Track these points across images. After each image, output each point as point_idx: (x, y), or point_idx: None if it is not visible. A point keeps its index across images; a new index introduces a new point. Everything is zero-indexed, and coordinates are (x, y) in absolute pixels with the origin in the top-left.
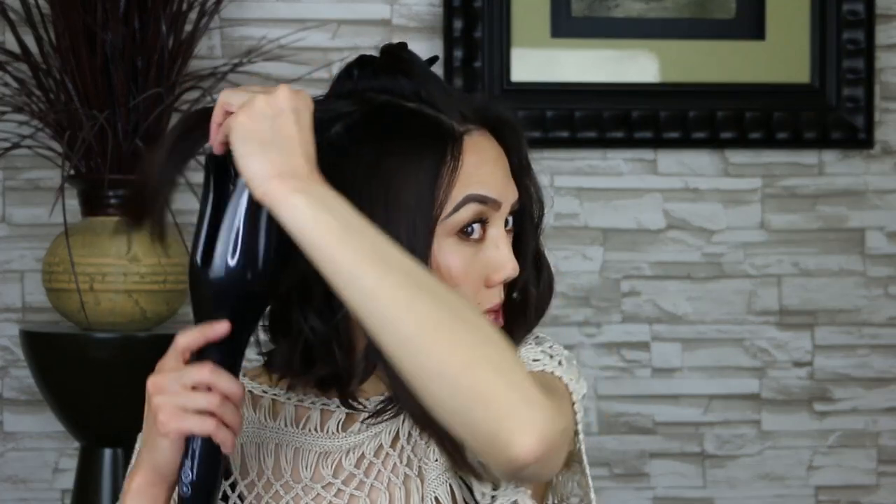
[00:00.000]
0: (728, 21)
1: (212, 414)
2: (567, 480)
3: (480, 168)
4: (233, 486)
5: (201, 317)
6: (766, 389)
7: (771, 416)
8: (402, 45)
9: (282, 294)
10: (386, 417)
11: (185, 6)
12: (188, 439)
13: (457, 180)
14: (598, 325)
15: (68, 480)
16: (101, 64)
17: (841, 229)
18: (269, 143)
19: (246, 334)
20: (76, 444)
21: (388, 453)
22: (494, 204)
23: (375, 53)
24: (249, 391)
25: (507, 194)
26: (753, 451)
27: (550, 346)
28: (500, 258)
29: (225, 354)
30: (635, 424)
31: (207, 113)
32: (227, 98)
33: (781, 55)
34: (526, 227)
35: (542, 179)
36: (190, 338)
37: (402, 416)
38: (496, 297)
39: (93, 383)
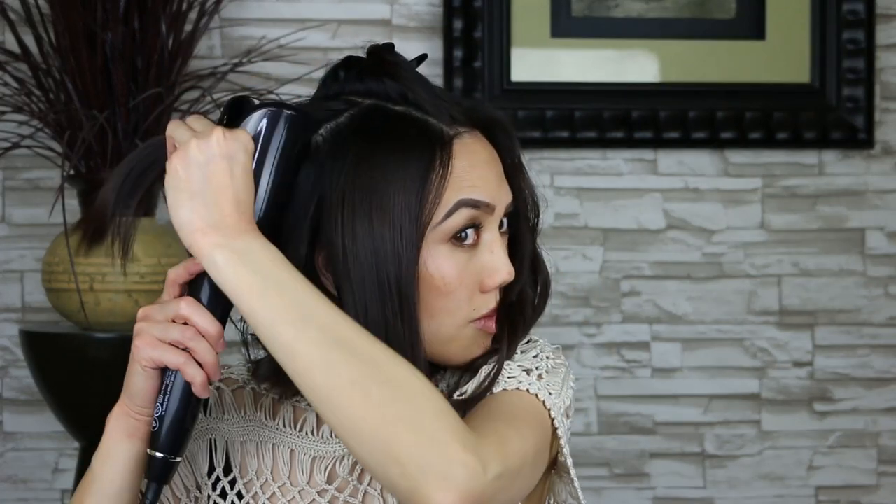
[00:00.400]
0: (728, 21)
1: (185, 349)
2: (561, 490)
3: (472, 171)
4: (232, 483)
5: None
6: (766, 389)
7: (771, 416)
8: (389, 46)
9: None
10: None
11: (185, 6)
12: (163, 374)
13: (447, 185)
14: (598, 325)
15: (68, 480)
16: (101, 64)
17: (841, 229)
18: (197, 192)
19: None
20: (76, 444)
21: None
22: (487, 208)
23: (362, 54)
24: (252, 388)
25: (501, 197)
26: (753, 451)
27: (535, 356)
28: (494, 263)
29: (210, 296)
30: (635, 424)
31: (162, 144)
32: (171, 132)
33: (781, 55)
34: (521, 229)
35: (542, 179)
36: (176, 271)
37: None
38: (492, 301)
39: (93, 383)
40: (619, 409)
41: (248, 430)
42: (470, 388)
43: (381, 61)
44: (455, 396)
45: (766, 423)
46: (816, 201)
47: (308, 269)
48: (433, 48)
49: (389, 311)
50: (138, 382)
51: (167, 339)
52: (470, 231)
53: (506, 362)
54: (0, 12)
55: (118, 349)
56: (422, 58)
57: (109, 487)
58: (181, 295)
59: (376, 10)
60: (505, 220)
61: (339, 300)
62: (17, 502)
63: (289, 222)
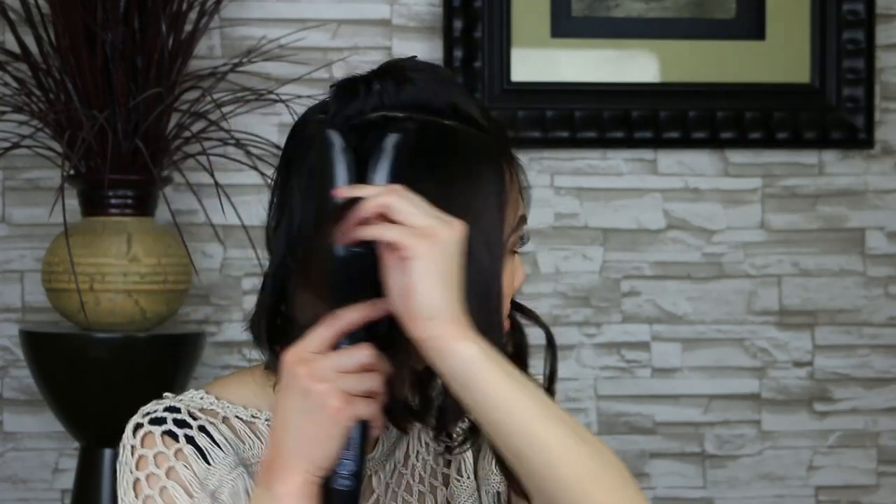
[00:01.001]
0: (728, 21)
1: (371, 396)
2: None
3: (514, 185)
4: None
5: (344, 298)
6: (766, 389)
7: (771, 416)
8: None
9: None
10: (466, 448)
11: (185, 6)
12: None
13: (510, 199)
14: (598, 325)
15: (68, 480)
16: (101, 64)
17: (841, 229)
18: (451, 283)
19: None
20: (76, 444)
21: (401, 472)
22: (523, 220)
23: (376, 57)
24: (237, 417)
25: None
26: (753, 451)
27: None
28: (518, 267)
29: (368, 331)
30: (635, 424)
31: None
32: (395, 204)
33: (781, 55)
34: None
35: (542, 179)
36: (351, 318)
37: (408, 436)
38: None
39: (93, 383)
40: (619, 409)
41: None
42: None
43: (417, 72)
44: None
45: (766, 423)
46: (816, 201)
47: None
48: (433, 48)
49: (491, 335)
50: (332, 447)
51: (361, 392)
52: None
53: None
54: (0, 12)
55: (118, 349)
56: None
57: None
58: (339, 341)
59: (376, 10)
60: None
61: None
62: (17, 502)
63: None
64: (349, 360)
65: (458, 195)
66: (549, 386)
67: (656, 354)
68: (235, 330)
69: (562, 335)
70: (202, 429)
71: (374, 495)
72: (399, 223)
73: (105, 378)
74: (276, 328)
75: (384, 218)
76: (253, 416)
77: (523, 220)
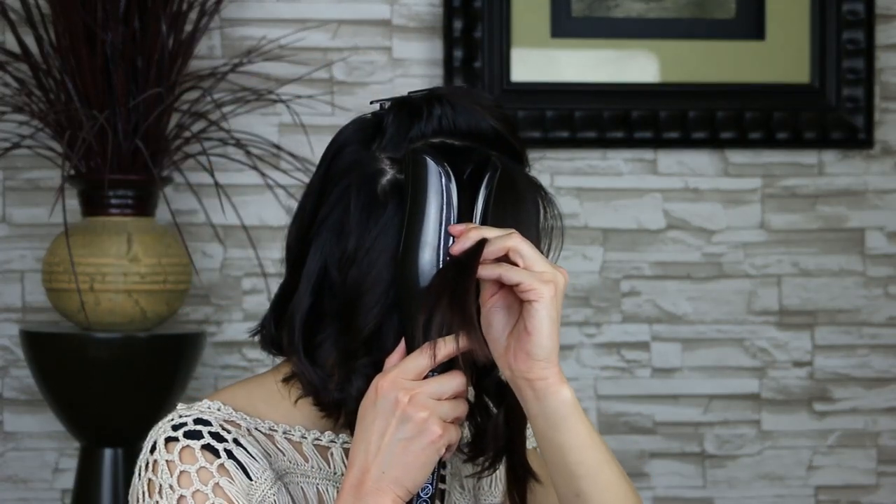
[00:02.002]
0: (728, 21)
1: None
2: None
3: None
4: None
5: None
6: (766, 389)
7: (771, 416)
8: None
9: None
10: (492, 471)
11: (185, 6)
12: None
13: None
14: (598, 325)
15: (68, 480)
16: (101, 64)
17: (841, 229)
18: (558, 328)
19: None
20: (76, 444)
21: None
22: None
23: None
24: (257, 429)
25: None
26: (753, 451)
27: None
28: None
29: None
30: (635, 424)
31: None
32: (520, 247)
33: (781, 55)
34: None
35: (542, 179)
36: (449, 350)
37: None
38: None
39: (93, 383)
40: (619, 408)
41: (288, 473)
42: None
43: (468, 98)
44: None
45: (766, 423)
46: (816, 201)
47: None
48: (433, 48)
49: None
50: (427, 470)
51: (451, 419)
52: None
53: None
54: (0, 12)
55: (118, 349)
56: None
57: None
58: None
59: (376, 10)
60: None
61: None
62: (17, 502)
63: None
64: (447, 387)
65: (509, 227)
66: None
67: (656, 354)
68: (235, 330)
69: (562, 335)
70: (237, 442)
71: None
72: (522, 267)
73: (105, 378)
74: (309, 340)
75: (505, 259)
76: (271, 430)
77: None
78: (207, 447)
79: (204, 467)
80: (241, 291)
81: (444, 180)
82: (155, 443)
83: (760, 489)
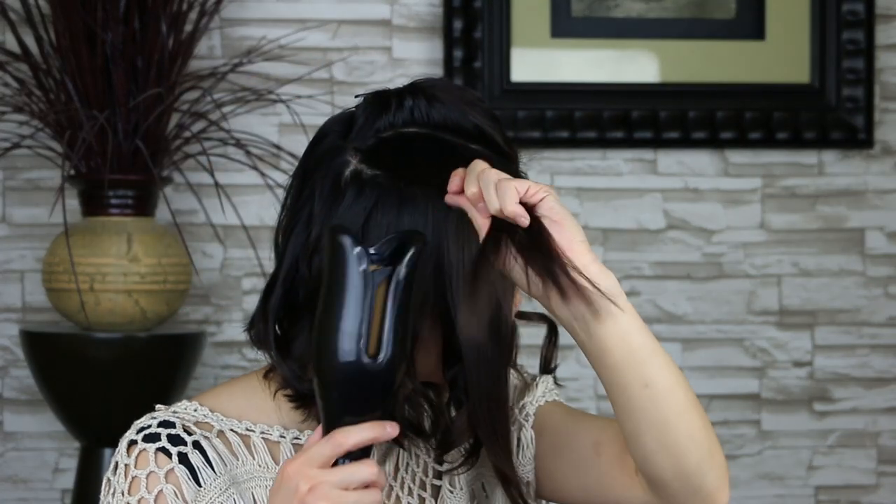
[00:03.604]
0: (728, 21)
1: None
2: None
3: None
4: None
5: (357, 411)
6: (766, 389)
7: (771, 416)
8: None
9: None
10: (464, 469)
11: (185, 6)
12: None
13: None
14: None
15: (68, 480)
16: (101, 64)
17: (841, 229)
18: (578, 224)
19: None
20: (76, 444)
21: (390, 486)
22: None
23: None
24: (231, 430)
25: None
26: (753, 451)
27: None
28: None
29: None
30: None
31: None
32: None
33: (781, 55)
34: None
35: (542, 179)
36: (358, 437)
37: (399, 451)
38: None
39: (93, 383)
40: None
41: (252, 478)
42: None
43: (447, 92)
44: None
45: (766, 423)
46: (816, 201)
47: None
48: (433, 48)
49: (503, 359)
50: None
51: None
52: None
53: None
54: (0, 12)
55: (118, 349)
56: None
57: None
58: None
59: (376, 10)
60: None
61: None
62: (17, 502)
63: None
64: (355, 477)
65: None
66: (547, 368)
67: None
68: (235, 330)
69: (562, 335)
70: (196, 445)
71: None
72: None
73: (105, 378)
74: (282, 332)
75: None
76: (248, 430)
77: None
78: (162, 450)
79: (153, 472)
80: (240, 291)
81: (362, 265)
82: (119, 445)
83: (760, 489)
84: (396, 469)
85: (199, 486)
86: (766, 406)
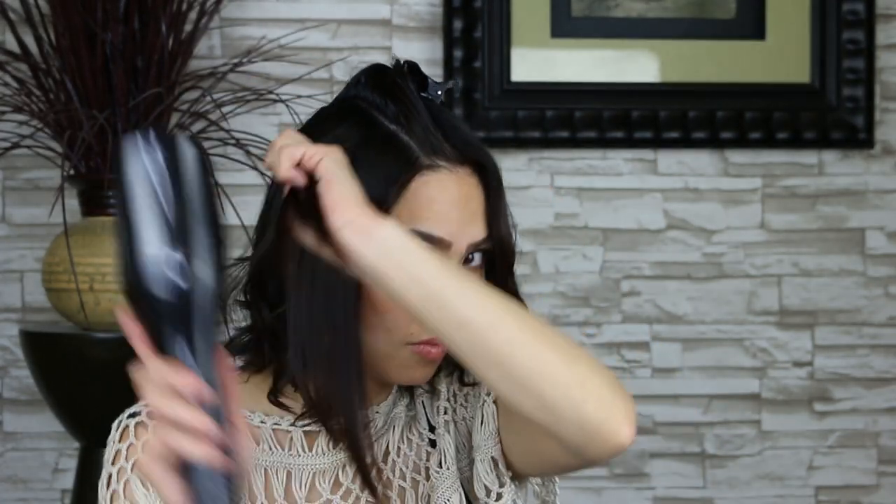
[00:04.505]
0: (728, 21)
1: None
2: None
3: (432, 205)
4: None
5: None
6: (766, 389)
7: (771, 416)
8: (409, 66)
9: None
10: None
11: (185, 6)
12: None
13: (403, 212)
14: (598, 325)
15: (68, 480)
16: (101, 64)
17: (841, 229)
18: (351, 182)
19: None
20: (76, 444)
21: (379, 468)
22: (440, 243)
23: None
24: None
25: (463, 235)
26: (753, 451)
27: None
28: None
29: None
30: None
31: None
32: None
33: (781, 55)
34: (496, 270)
35: (542, 179)
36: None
37: (388, 432)
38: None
39: (93, 383)
40: None
41: None
42: None
43: (392, 79)
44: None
45: (766, 423)
46: (816, 201)
47: (263, 264)
48: (433, 48)
49: (334, 317)
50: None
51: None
52: None
53: None
54: (0, 12)
55: (118, 349)
56: (447, 85)
57: None
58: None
59: (376, 10)
60: (477, 255)
61: (282, 293)
62: (17, 502)
63: (267, 217)
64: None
65: None
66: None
67: (656, 354)
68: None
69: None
70: None
71: (353, 493)
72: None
73: (105, 378)
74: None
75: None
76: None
77: (419, 236)
78: (141, 424)
79: (132, 444)
80: None
81: (145, 162)
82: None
83: (761, 489)
84: (387, 453)
85: None
86: (767, 406)
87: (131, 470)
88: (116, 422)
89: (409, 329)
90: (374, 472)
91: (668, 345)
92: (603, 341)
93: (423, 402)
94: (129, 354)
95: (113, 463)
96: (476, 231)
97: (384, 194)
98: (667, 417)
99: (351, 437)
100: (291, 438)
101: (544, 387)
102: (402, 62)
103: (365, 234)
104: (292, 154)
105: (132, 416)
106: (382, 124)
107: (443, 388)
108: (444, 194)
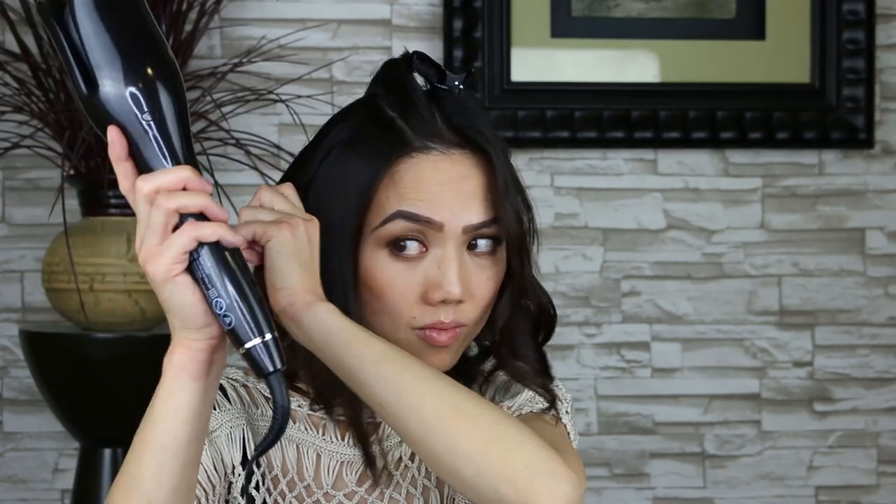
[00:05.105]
0: (728, 21)
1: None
2: None
3: (420, 187)
4: (262, 478)
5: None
6: (766, 389)
7: (771, 416)
8: (417, 56)
9: None
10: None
11: (185, 6)
12: (190, 268)
13: (392, 193)
14: (598, 325)
15: (68, 480)
16: None
17: (841, 229)
18: (303, 264)
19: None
20: (76, 444)
21: (406, 465)
22: (430, 224)
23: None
24: (266, 395)
25: (456, 217)
26: (753, 451)
27: (556, 386)
28: (438, 278)
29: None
30: (635, 424)
31: None
32: (256, 202)
33: (781, 55)
34: (509, 253)
35: (542, 179)
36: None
37: (405, 444)
38: (440, 314)
39: (93, 383)
40: (619, 409)
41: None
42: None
43: (394, 71)
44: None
45: (766, 423)
46: (816, 201)
47: None
48: (433, 48)
49: (336, 295)
50: (182, 303)
51: (157, 227)
52: (412, 244)
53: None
54: (0, 12)
55: (118, 349)
56: (458, 77)
57: (174, 444)
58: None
59: (376, 10)
60: (483, 242)
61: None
62: (17, 502)
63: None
64: (150, 185)
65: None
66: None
67: (656, 354)
68: None
69: (562, 335)
70: (220, 387)
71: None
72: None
73: (105, 378)
74: None
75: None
76: (255, 387)
77: (407, 216)
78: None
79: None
80: None
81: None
82: None
83: (761, 489)
84: (400, 460)
85: (215, 409)
86: (767, 406)
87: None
88: None
89: (411, 313)
90: (381, 466)
91: (668, 345)
92: (603, 341)
93: None
94: (129, 354)
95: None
96: (472, 214)
97: (373, 177)
98: (667, 417)
99: (356, 427)
100: (325, 425)
101: (460, 468)
102: (408, 53)
103: (294, 322)
104: (252, 230)
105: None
106: (382, 111)
107: None
108: (435, 176)
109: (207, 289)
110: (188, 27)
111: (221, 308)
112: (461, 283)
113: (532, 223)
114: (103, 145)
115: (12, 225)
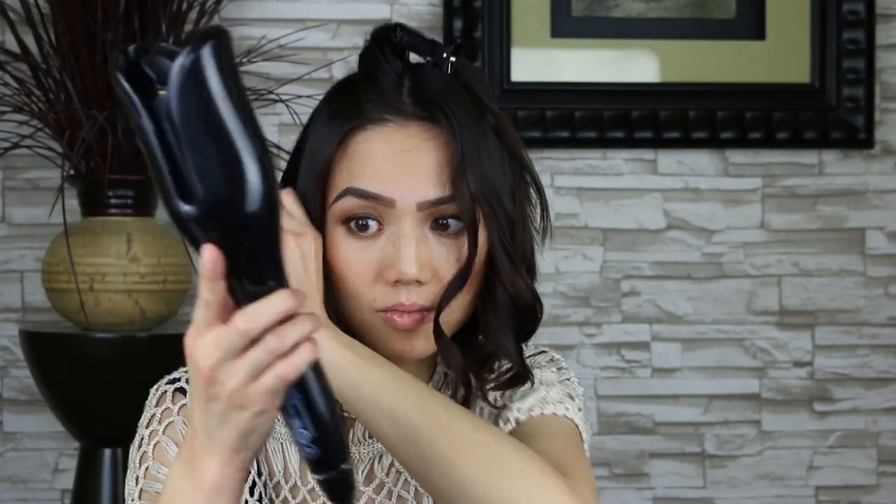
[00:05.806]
0: (728, 21)
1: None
2: None
3: (371, 160)
4: (265, 486)
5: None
6: (766, 389)
7: (771, 416)
8: (396, 28)
9: None
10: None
11: (185, 6)
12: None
13: (344, 169)
14: (598, 325)
15: (68, 480)
16: (101, 64)
17: (841, 229)
18: (299, 282)
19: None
20: (76, 444)
21: (398, 471)
22: (379, 200)
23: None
24: None
25: (407, 193)
26: (753, 451)
27: (568, 379)
28: (393, 257)
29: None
30: (635, 424)
31: None
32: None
33: (781, 55)
34: (476, 235)
35: (543, 179)
36: (270, 313)
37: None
38: (400, 296)
39: (93, 383)
40: (619, 409)
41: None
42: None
43: (366, 46)
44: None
45: (766, 423)
46: (816, 201)
47: None
48: None
49: None
50: (263, 433)
51: (262, 366)
52: (372, 222)
53: (547, 371)
54: (0, 12)
55: (118, 349)
56: (456, 46)
57: None
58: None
59: (376, 10)
60: (453, 222)
61: None
62: (17, 502)
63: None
64: (222, 344)
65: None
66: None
67: (656, 354)
68: None
69: (562, 335)
70: None
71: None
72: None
73: (105, 378)
74: None
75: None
76: None
77: (356, 193)
78: (179, 390)
79: (167, 408)
80: None
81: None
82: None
83: (761, 489)
84: (391, 466)
85: None
86: (767, 406)
87: (163, 432)
88: (154, 388)
89: (371, 294)
90: (390, 475)
91: (668, 345)
92: (603, 341)
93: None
94: (129, 354)
95: (147, 426)
96: (428, 189)
97: (329, 151)
98: (667, 417)
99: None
100: None
101: (459, 502)
102: (389, 24)
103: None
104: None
105: (171, 381)
106: (346, 82)
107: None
108: (387, 148)
109: (291, 417)
110: (188, 27)
111: (305, 439)
112: (419, 262)
113: (529, 206)
114: (103, 145)
115: (12, 225)
